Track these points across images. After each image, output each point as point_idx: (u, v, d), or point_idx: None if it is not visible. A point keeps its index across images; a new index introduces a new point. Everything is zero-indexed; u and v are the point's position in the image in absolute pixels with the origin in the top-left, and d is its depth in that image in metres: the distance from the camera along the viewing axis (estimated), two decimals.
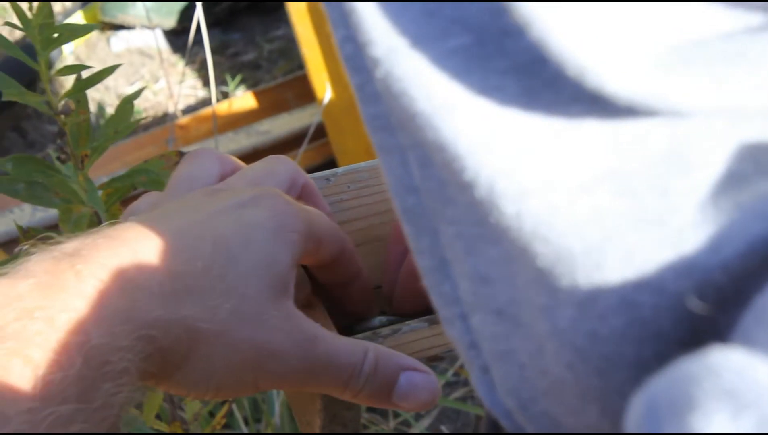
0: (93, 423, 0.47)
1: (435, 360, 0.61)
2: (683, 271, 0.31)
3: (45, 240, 0.51)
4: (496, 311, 0.37)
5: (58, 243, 0.51)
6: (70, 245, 0.50)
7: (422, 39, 0.33)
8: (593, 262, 0.32)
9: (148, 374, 0.50)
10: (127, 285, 0.49)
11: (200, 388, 0.53)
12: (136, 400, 0.50)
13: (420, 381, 0.58)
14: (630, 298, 0.32)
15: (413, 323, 0.62)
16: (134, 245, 0.51)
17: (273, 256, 0.54)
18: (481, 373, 0.39)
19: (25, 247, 0.51)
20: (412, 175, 0.37)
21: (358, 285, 0.63)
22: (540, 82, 0.32)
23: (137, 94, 0.75)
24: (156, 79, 2.37)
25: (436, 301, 0.39)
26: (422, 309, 0.66)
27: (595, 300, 0.32)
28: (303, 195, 0.62)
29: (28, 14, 0.69)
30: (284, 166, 0.61)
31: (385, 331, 0.61)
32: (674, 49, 0.30)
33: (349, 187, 0.68)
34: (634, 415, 0.27)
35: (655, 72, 0.30)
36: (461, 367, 1.62)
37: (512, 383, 0.37)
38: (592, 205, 0.32)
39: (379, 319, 0.64)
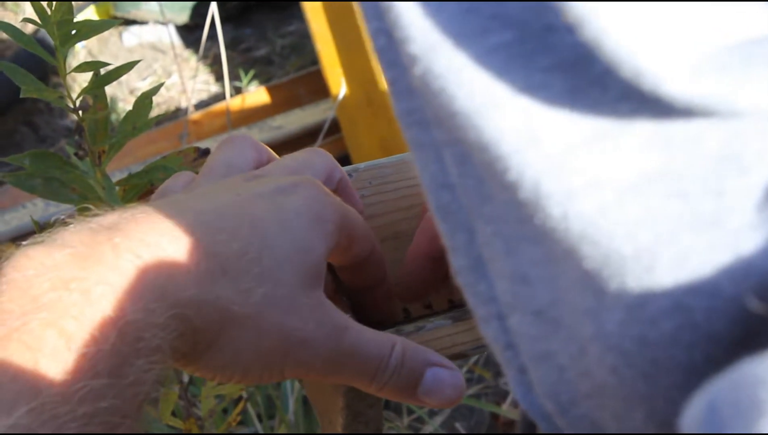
0: (124, 399, 0.46)
1: (459, 358, 0.61)
2: (740, 273, 0.30)
3: (83, 211, 0.51)
4: (536, 312, 0.36)
5: (96, 215, 0.50)
6: (108, 218, 0.50)
7: (462, 36, 0.32)
8: (644, 265, 0.31)
9: (178, 354, 0.50)
10: (164, 262, 0.48)
11: (227, 372, 0.52)
12: (166, 379, 0.49)
13: (446, 377, 0.57)
14: (683, 301, 0.31)
15: (437, 320, 0.62)
16: (172, 223, 0.50)
17: (308, 243, 0.54)
18: (518, 374, 0.38)
19: (62, 216, 0.50)
20: (448, 171, 0.36)
21: (382, 290, 0.63)
22: (586, 80, 0.31)
23: (155, 90, 0.75)
24: (168, 75, 2.37)
25: (471, 300, 0.38)
26: (424, 297, 0.66)
27: (645, 304, 0.32)
28: (338, 190, 0.61)
29: (48, 10, 0.69)
30: (322, 158, 0.61)
31: (408, 327, 0.60)
32: (731, 49, 0.29)
33: (370, 183, 0.68)
34: (694, 416, 0.27)
35: (712, 73, 0.29)
36: (475, 364, 1.61)
37: (551, 386, 0.37)
38: (643, 207, 0.31)
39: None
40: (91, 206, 0.52)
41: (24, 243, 0.49)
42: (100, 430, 0.45)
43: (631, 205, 0.31)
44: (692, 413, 0.27)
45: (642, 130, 0.31)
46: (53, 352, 0.45)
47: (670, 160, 0.31)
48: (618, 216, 0.31)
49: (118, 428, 0.46)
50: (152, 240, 0.49)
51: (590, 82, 0.31)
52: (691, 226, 0.31)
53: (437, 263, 0.64)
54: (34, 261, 0.47)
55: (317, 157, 0.61)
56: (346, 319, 0.55)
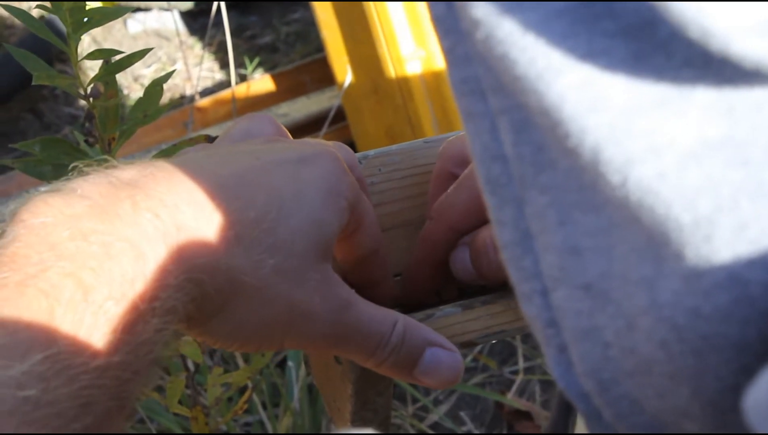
0: (136, 356, 0.46)
1: (468, 346, 0.61)
2: None
3: (101, 162, 0.51)
4: (584, 286, 0.35)
5: (114, 167, 0.50)
6: (128, 173, 0.50)
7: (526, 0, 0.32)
8: (703, 234, 0.31)
9: (187, 318, 0.50)
10: (182, 226, 0.49)
11: (228, 339, 0.52)
12: (174, 344, 0.49)
13: (445, 358, 0.58)
14: (740, 274, 0.31)
15: (447, 308, 0.62)
16: (192, 185, 0.50)
17: (322, 217, 0.54)
18: (557, 353, 0.38)
19: (79, 165, 0.50)
20: (501, 141, 0.36)
21: (382, 291, 0.63)
22: (650, 46, 0.31)
23: (166, 78, 0.75)
24: (173, 62, 2.37)
25: (514, 275, 0.38)
26: (430, 300, 0.66)
27: (701, 275, 0.31)
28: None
29: None
30: (344, 151, 0.61)
31: (418, 315, 0.60)
32: None
33: (380, 169, 0.68)
34: (761, 396, 0.26)
35: None
36: (480, 353, 1.61)
37: (593, 363, 0.36)
38: (704, 174, 0.31)
39: None
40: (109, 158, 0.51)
41: (42, 189, 0.49)
42: (111, 383, 0.45)
43: (691, 173, 0.31)
44: (759, 393, 0.26)
45: (704, 97, 0.31)
46: (70, 302, 0.45)
47: (732, 127, 0.31)
48: (678, 183, 0.31)
49: (128, 384, 0.46)
50: (171, 201, 0.49)
51: (654, 48, 0.31)
52: (752, 196, 0.30)
53: (438, 270, 0.65)
54: (53, 208, 0.47)
55: (341, 150, 0.61)
56: (350, 294, 0.55)
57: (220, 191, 0.51)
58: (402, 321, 0.56)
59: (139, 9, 2.47)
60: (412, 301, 0.66)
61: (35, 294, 0.45)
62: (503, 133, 0.36)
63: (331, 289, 0.54)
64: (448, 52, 0.36)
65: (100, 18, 0.70)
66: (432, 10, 0.36)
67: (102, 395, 0.45)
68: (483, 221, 0.63)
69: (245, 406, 1.01)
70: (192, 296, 0.49)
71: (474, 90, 0.36)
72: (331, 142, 0.61)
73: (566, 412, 0.44)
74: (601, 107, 0.31)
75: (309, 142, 0.59)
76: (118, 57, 0.73)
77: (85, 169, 0.50)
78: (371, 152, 0.68)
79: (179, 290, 0.48)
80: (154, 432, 1.37)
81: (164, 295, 0.47)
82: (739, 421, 0.31)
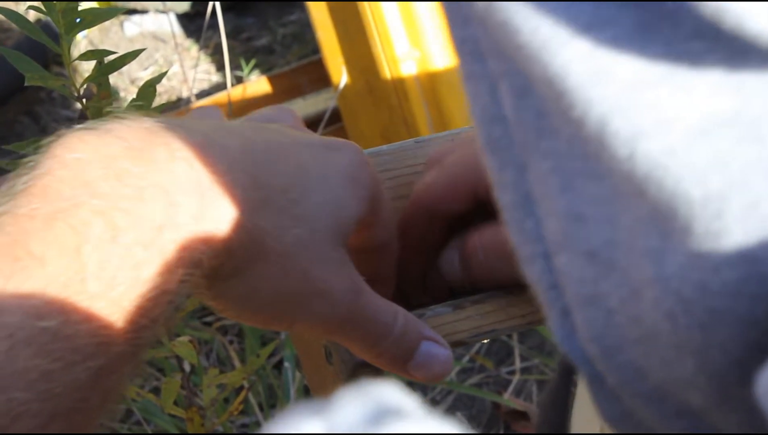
0: (156, 303, 0.46)
1: (459, 345, 0.61)
2: None
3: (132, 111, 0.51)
4: (588, 253, 0.35)
5: (150, 116, 0.50)
6: (160, 123, 0.49)
7: None
8: (713, 211, 0.30)
9: (210, 274, 0.49)
10: (214, 179, 0.48)
11: (239, 305, 0.52)
12: (190, 294, 0.49)
13: (438, 353, 0.58)
14: (750, 252, 0.30)
15: (438, 308, 0.62)
16: (225, 142, 0.50)
17: (344, 201, 0.54)
18: (560, 316, 0.37)
19: (114, 109, 0.50)
20: (501, 104, 0.35)
21: (384, 287, 0.63)
22: (657, 16, 0.30)
23: (159, 79, 0.75)
24: (170, 64, 2.37)
25: (516, 237, 0.38)
26: (416, 292, 0.66)
27: (710, 250, 0.31)
28: None
29: None
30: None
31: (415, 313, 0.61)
32: None
33: None
34: None
35: None
36: (477, 353, 1.61)
37: (597, 329, 0.36)
38: (713, 150, 0.30)
39: None
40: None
41: (77, 126, 0.49)
42: (129, 328, 0.45)
43: (701, 148, 0.30)
44: None
45: (714, 71, 0.30)
46: (99, 241, 0.45)
47: (743, 103, 0.30)
48: (687, 158, 0.30)
49: (144, 330, 0.46)
50: (206, 154, 0.49)
51: (661, 19, 0.30)
52: (765, 173, 0.30)
53: (418, 255, 0.65)
54: (88, 145, 0.47)
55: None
56: (362, 282, 0.55)
57: (251, 154, 0.51)
58: (402, 313, 0.57)
59: (135, 11, 2.47)
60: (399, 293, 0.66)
61: (64, 229, 0.44)
62: (503, 96, 0.35)
63: (347, 272, 0.54)
64: (448, 12, 0.36)
65: (93, 18, 0.70)
66: None
67: (119, 338, 0.45)
68: (461, 206, 0.63)
69: (241, 407, 1.01)
70: (217, 252, 0.48)
71: (473, 51, 0.35)
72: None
73: (568, 376, 0.43)
74: (608, 79, 0.31)
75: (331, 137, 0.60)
76: (111, 57, 0.73)
77: (120, 113, 0.50)
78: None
79: (206, 243, 0.48)
80: (150, 433, 1.37)
81: (191, 246, 0.47)
82: (744, 395, 0.31)
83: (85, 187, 0.45)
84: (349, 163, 0.56)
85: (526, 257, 0.38)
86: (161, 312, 0.47)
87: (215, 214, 0.48)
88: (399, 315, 0.56)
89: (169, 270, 0.46)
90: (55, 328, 0.43)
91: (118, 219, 0.45)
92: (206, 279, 0.50)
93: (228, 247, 0.49)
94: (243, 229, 0.49)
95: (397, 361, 0.57)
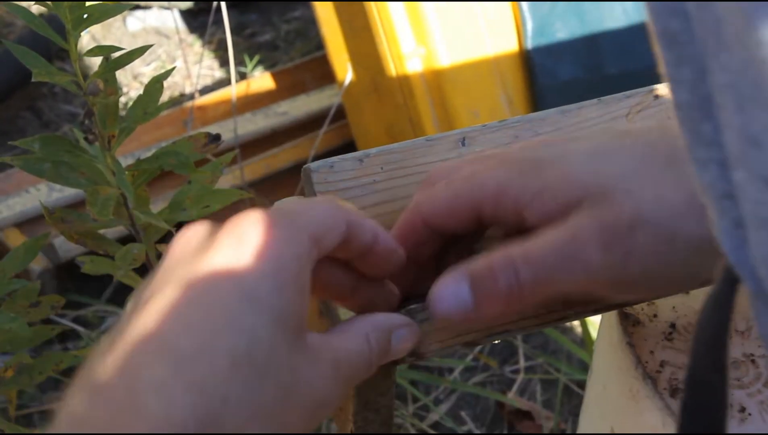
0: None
1: (471, 345, 0.60)
2: None
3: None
4: (765, 179, 0.33)
5: None
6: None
7: None
8: None
9: None
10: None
11: None
12: None
13: (407, 335, 0.57)
14: None
15: None
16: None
17: (284, 300, 0.49)
18: (732, 227, 0.36)
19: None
20: None
21: (394, 281, 0.61)
22: None
23: (166, 75, 0.74)
24: (173, 60, 2.36)
25: (688, 138, 0.36)
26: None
27: None
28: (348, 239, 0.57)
29: None
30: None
31: (421, 315, 0.60)
32: None
33: (382, 168, 0.67)
34: None
35: None
36: (481, 352, 1.61)
37: None
38: None
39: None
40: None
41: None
42: None
43: None
44: None
45: None
46: None
47: None
48: None
49: None
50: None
51: None
52: None
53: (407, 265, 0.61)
54: None
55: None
56: (328, 347, 0.52)
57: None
58: (368, 328, 0.55)
59: (138, 7, 2.47)
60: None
61: None
62: None
63: (321, 361, 0.51)
64: None
65: (100, 15, 0.70)
66: None
67: None
68: (462, 226, 0.59)
69: None
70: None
71: None
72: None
73: (730, 286, 0.41)
74: None
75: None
76: (117, 54, 0.73)
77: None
78: (372, 150, 0.67)
79: None
80: None
81: None
82: None
83: None
84: (241, 287, 0.48)
85: (699, 160, 0.36)
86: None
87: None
88: (369, 336, 0.54)
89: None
90: None
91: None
92: None
93: None
94: None
95: (381, 362, 0.56)
